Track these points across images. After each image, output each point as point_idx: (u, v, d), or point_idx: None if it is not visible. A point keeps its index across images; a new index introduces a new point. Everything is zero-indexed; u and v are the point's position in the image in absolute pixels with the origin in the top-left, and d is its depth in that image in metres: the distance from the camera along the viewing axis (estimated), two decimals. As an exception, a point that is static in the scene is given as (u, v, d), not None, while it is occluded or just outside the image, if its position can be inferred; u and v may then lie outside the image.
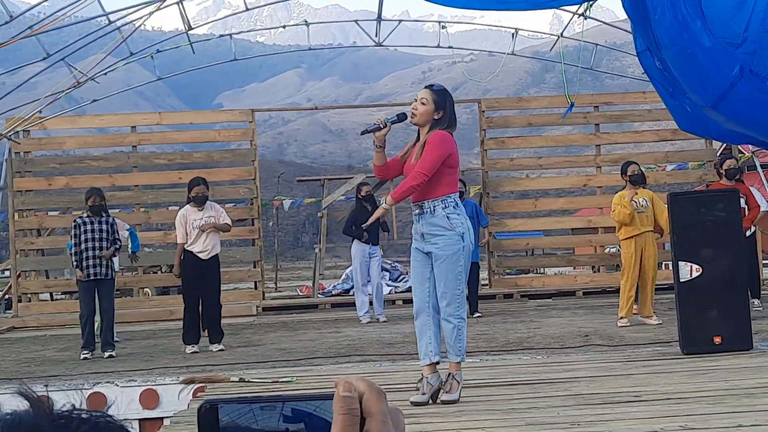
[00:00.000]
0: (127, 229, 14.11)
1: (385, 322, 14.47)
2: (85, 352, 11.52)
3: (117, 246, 11.96)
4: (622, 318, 12.19)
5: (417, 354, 9.62)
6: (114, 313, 11.95)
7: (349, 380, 1.03)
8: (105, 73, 17.71)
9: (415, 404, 6.87)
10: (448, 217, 7.01)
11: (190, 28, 17.62)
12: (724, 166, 12.48)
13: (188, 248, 11.65)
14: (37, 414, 0.87)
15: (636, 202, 12.19)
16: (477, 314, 14.45)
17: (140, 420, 8.72)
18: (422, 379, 7.08)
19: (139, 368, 9.99)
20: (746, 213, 12.50)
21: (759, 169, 20.70)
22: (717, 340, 8.86)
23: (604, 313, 14.29)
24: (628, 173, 12.38)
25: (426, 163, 6.92)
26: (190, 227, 11.66)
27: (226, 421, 1.01)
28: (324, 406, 1.02)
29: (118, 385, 8.88)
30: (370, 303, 15.03)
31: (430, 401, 6.97)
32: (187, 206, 11.85)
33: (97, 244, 11.69)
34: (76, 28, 17.24)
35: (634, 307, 12.66)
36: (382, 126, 6.93)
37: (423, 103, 7.02)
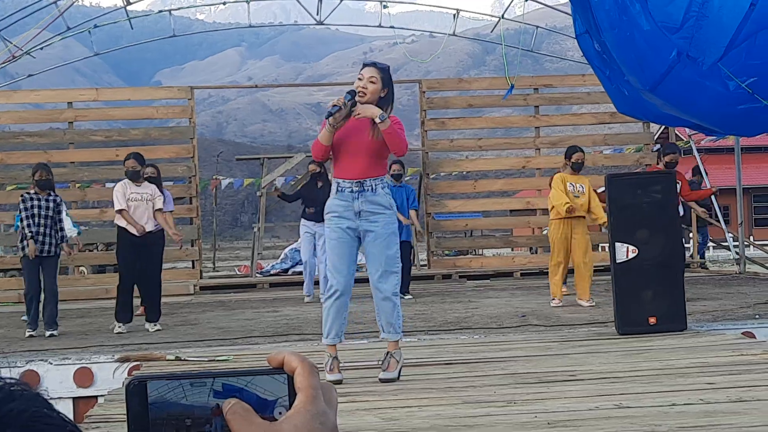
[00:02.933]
0: (74, 225, 13.95)
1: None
2: (30, 329, 11.34)
3: (62, 238, 11.77)
4: (553, 299, 12.33)
5: (356, 333, 9.65)
6: (57, 290, 11.74)
7: (281, 354, 1.01)
8: (41, 48, 17.47)
9: (334, 383, 6.90)
10: (387, 196, 7.02)
11: (128, 4, 17.42)
12: (666, 159, 12.61)
13: (124, 226, 11.50)
14: None
15: (573, 186, 12.29)
16: (408, 296, 14.35)
17: (74, 398, 8.61)
18: (333, 358, 7.06)
19: (74, 346, 9.86)
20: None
21: (695, 152, 20.98)
22: (652, 320, 8.96)
23: (541, 294, 14.40)
24: (573, 159, 12.47)
25: (401, 131, 6.96)
26: (125, 200, 11.51)
27: (154, 396, 0.98)
28: (255, 381, 1.00)
29: (51, 363, 8.77)
30: (316, 282, 15.01)
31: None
32: (126, 180, 11.69)
33: (42, 221, 11.50)
34: (12, 1, 17.01)
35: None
36: (342, 106, 6.85)
37: (372, 82, 6.94)
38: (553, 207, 12.35)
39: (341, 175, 7.00)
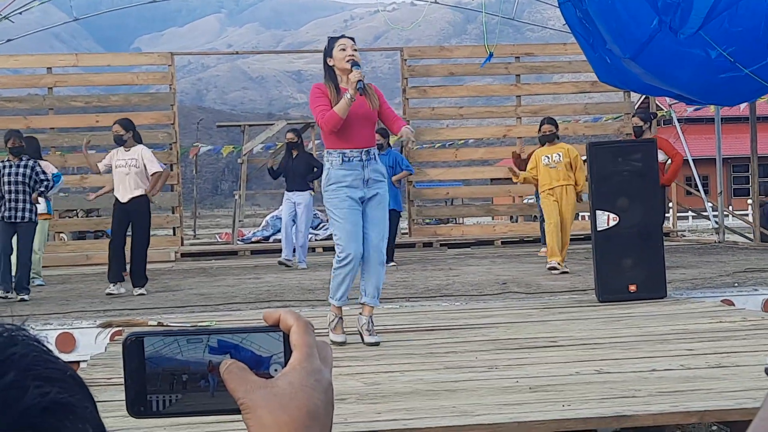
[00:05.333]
0: (54, 174, 13.88)
1: (304, 269, 14.49)
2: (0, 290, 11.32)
3: (44, 187, 11.71)
4: (551, 261, 12.36)
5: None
6: (30, 262, 11.68)
7: (277, 312, 1.02)
8: (20, 13, 17.28)
9: (338, 344, 6.99)
10: (383, 165, 7.35)
11: (109, -32, 17.25)
12: (632, 123, 12.74)
13: (114, 192, 11.62)
14: None
15: (548, 158, 12.41)
16: (392, 264, 14.43)
17: (56, 364, 8.61)
18: (339, 318, 7.21)
19: (55, 312, 9.85)
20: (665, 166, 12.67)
21: (676, 123, 21.04)
22: (632, 288, 9.02)
23: (522, 261, 14.47)
24: (540, 131, 12.80)
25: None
26: (114, 167, 11.55)
27: (150, 351, 1.00)
28: (251, 338, 1.02)
29: (33, 328, 8.74)
30: (294, 250, 15.04)
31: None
32: (121, 147, 11.72)
33: (14, 188, 11.45)
34: (-10, -35, 16.80)
35: (542, 250, 13.03)
36: (363, 78, 6.95)
37: (355, 50, 7.12)
38: (537, 182, 12.60)
39: (348, 145, 7.06)
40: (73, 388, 0.85)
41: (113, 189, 11.74)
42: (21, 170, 11.54)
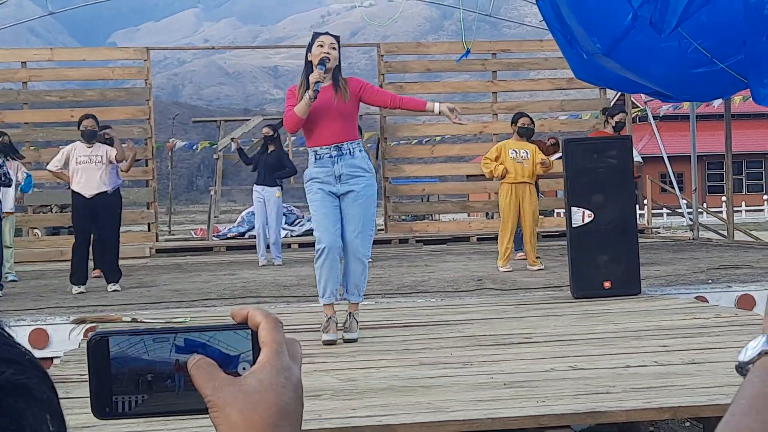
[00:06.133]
0: (26, 173, 13.81)
1: (280, 265, 14.47)
2: None
3: (4, 182, 11.59)
4: (501, 267, 12.37)
5: (312, 296, 9.65)
6: (1, 253, 11.58)
7: (245, 309, 1.01)
8: (-6, 6, 17.16)
9: (328, 343, 6.93)
10: (365, 159, 7.17)
11: (84, -38, 17.16)
12: (616, 119, 12.62)
13: (73, 188, 11.44)
14: None
15: (516, 152, 12.33)
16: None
17: (29, 360, 8.56)
18: (329, 318, 7.11)
19: (29, 308, 9.80)
20: None
21: (651, 120, 21.13)
22: (607, 284, 9.04)
23: (497, 258, 14.47)
24: (519, 124, 12.57)
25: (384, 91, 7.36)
26: (74, 163, 11.43)
27: (116, 351, 0.99)
28: (218, 336, 1.00)
29: (7, 325, 8.69)
30: (268, 247, 15.01)
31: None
32: (77, 142, 11.61)
33: None
34: (-36, -42, 16.65)
35: (519, 254, 12.99)
36: (323, 80, 6.90)
37: (333, 48, 7.08)
38: (490, 174, 12.40)
39: (317, 142, 7.06)
40: (31, 371, 0.83)
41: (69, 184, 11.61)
42: None
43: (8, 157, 12.87)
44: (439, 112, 7.24)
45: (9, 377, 0.80)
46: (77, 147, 11.53)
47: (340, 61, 7.19)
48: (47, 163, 20.19)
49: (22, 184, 13.71)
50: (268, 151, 14.97)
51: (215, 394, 0.95)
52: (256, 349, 0.99)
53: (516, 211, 12.25)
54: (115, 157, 11.47)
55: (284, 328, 1.01)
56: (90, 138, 11.54)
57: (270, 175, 14.81)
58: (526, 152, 12.33)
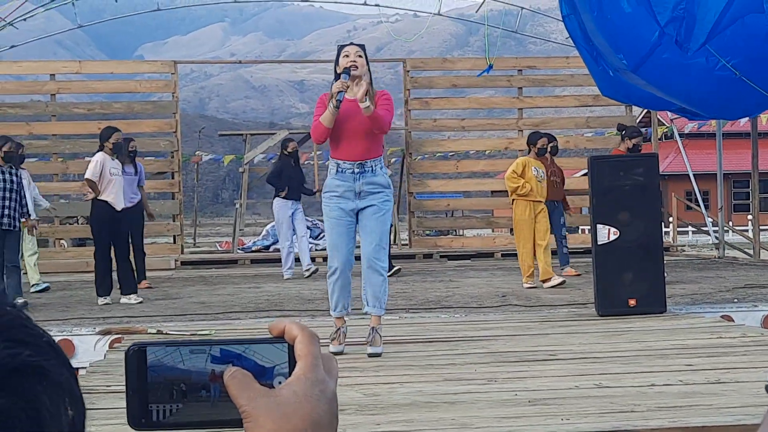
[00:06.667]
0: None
1: (314, 273, 14.48)
2: None
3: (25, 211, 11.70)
4: (526, 282, 12.40)
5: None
6: (19, 266, 11.61)
7: (282, 323, 1.01)
8: (24, 19, 17.32)
9: (336, 354, 6.94)
10: (385, 177, 7.24)
11: (113, -24, 17.30)
12: (633, 141, 12.62)
13: (104, 197, 11.48)
14: None
15: (537, 170, 12.41)
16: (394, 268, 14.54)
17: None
18: (338, 330, 7.19)
19: (55, 318, 9.85)
20: None
21: (677, 137, 21.06)
22: (632, 302, 9.00)
23: (521, 274, 14.43)
24: (538, 145, 12.71)
25: (389, 115, 7.09)
26: (108, 173, 11.49)
27: (152, 360, 0.99)
28: (254, 348, 1.01)
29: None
30: (297, 259, 15.06)
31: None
32: (103, 153, 11.63)
33: (7, 195, 11.42)
34: (-5, -29, 16.84)
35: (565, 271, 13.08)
36: (346, 89, 6.92)
37: (360, 56, 7.09)
38: (515, 190, 12.45)
39: (342, 156, 7.10)
40: (48, 353, 0.83)
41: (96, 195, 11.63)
42: (14, 178, 11.51)
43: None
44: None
45: (25, 359, 0.80)
46: (106, 159, 11.60)
47: (370, 72, 7.19)
48: (75, 175, 20.43)
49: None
50: (292, 167, 15.04)
51: (250, 404, 0.95)
52: (292, 363, 0.99)
53: (532, 226, 12.31)
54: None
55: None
56: (119, 151, 11.64)
57: (299, 189, 14.93)
58: (544, 172, 12.49)
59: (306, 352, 0.98)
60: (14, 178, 11.48)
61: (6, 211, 11.36)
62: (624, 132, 13.06)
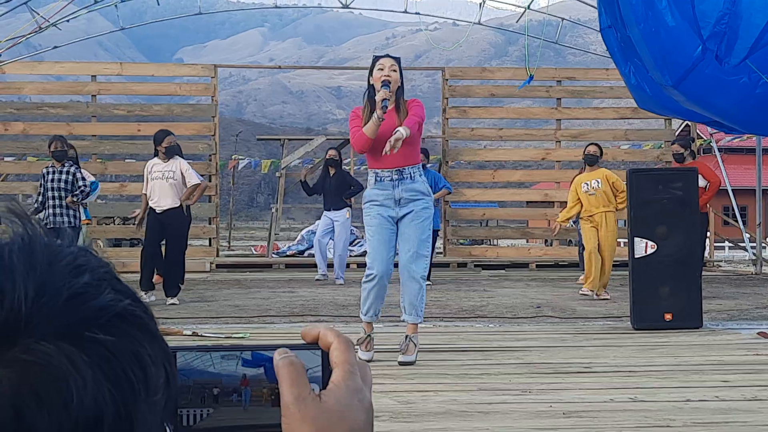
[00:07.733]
0: (92, 183, 14.00)
1: (341, 285, 14.56)
2: None
3: (79, 192, 11.76)
4: (584, 289, 12.48)
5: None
6: None
7: (316, 329, 0.99)
8: (67, 20, 17.48)
9: (366, 361, 6.95)
10: (425, 184, 7.25)
11: (156, -21, 17.44)
12: (672, 150, 12.67)
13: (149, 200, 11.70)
14: (36, 235, 0.85)
15: (587, 185, 12.42)
16: (428, 282, 14.49)
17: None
18: (368, 335, 7.28)
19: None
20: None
21: (716, 151, 20.91)
22: (668, 317, 8.96)
23: (556, 285, 14.42)
24: (585, 152, 12.82)
25: (419, 118, 7.07)
26: (149, 178, 11.63)
27: (181, 362, 0.99)
28: None
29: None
30: (330, 266, 15.15)
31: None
32: (155, 158, 11.81)
33: (56, 194, 11.57)
34: (40, -28, 17.02)
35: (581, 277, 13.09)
36: (389, 97, 6.96)
37: (394, 70, 7.13)
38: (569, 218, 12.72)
39: (380, 165, 7.14)
40: (143, 306, 0.84)
41: (146, 207, 11.80)
42: (63, 176, 11.67)
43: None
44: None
45: (127, 307, 0.81)
46: (154, 163, 11.72)
47: (402, 84, 7.23)
48: (113, 176, 20.59)
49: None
50: (331, 175, 15.09)
51: (297, 404, 0.91)
52: (326, 370, 0.97)
53: (596, 237, 12.35)
54: (180, 198, 11.64)
55: None
56: (170, 154, 11.70)
57: (336, 198, 14.97)
58: (597, 182, 12.43)
59: (342, 360, 0.96)
60: (68, 177, 11.63)
61: (54, 209, 11.52)
62: (688, 150, 13.15)
